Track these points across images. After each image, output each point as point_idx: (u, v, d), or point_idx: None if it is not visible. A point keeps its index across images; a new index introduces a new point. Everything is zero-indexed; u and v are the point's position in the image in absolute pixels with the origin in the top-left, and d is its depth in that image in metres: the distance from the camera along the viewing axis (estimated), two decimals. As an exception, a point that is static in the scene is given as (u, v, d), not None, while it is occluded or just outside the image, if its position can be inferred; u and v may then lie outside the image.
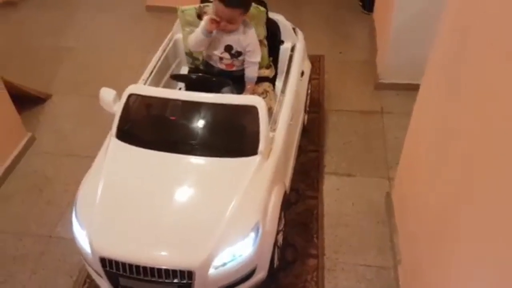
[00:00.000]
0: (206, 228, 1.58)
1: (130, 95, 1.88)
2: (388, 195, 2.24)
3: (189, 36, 2.17)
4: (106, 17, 3.78)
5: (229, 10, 1.97)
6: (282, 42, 2.37)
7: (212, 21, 2.02)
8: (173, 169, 1.74)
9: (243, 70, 2.23)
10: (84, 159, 2.50)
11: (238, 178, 1.70)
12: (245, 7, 2.02)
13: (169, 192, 1.68)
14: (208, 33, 2.06)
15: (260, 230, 1.62)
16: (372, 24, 3.48)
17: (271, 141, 1.83)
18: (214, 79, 2.01)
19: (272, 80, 2.40)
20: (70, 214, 2.21)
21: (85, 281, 1.96)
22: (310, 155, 2.51)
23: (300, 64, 2.30)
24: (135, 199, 1.66)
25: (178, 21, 2.44)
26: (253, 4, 2.18)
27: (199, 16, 2.27)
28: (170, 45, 2.37)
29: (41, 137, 2.67)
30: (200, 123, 1.85)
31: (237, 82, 2.24)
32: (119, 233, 1.60)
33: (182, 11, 2.30)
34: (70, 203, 2.29)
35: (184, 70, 2.51)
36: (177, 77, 2.11)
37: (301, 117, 2.37)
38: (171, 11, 3.61)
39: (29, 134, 2.60)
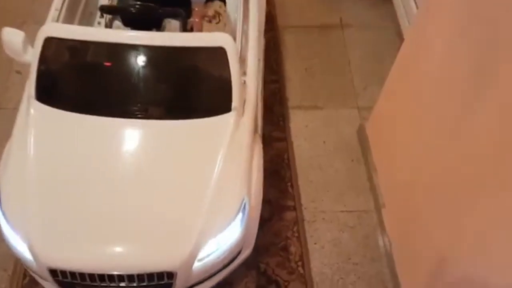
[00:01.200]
0: (184, 219, 1.27)
1: (47, 39, 1.37)
2: (361, 128, 2.03)
3: None
4: None
5: None
6: None
7: None
8: (126, 141, 1.35)
9: None
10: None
11: (212, 146, 1.37)
12: None
13: (126, 173, 1.30)
14: None
15: (247, 207, 1.34)
16: None
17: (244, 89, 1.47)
18: (160, 10, 1.53)
19: (223, -3, 1.95)
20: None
21: (24, 276, 1.60)
22: (271, 87, 2.18)
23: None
24: (82, 186, 1.27)
25: None
26: None
27: None
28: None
29: None
30: (151, 74, 1.42)
31: (182, 5, 1.78)
32: (70, 236, 1.23)
33: None
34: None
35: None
36: (110, 10, 1.58)
37: (262, 43, 1.97)
38: None
39: None
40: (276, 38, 2.37)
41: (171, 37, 1.40)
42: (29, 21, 2.31)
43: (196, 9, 1.79)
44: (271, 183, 1.89)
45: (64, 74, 1.42)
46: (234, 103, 1.40)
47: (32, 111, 1.36)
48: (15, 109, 1.95)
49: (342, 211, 1.86)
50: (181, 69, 1.43)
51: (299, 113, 2.13)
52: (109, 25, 1.69)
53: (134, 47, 1.37)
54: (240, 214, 1.32)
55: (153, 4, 1.55)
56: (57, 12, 1.56)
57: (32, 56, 1.39)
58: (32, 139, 1.32)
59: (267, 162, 1.93)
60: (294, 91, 2.19)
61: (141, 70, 1.40)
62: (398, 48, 2.34)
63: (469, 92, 1.22)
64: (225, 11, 1.90)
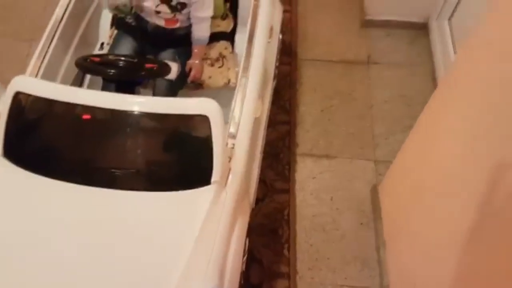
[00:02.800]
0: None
1: (17, 93, 1.26)
2: (374, 189, 1.82)
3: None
4: None
5: None
6: (242, -9, 1.70)
7: None
8: (88, 211, 1.21)
9: (189, 26, 1.61)
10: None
11: (184, 224, 1.21)
12: None
13: (81, 247, 1.16)
14: None
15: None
16: None
17: (230, 154, 1.30)
18: (143, 72, 1.38)
19: (231, 35, 1.78)
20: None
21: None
22: (280, 128, 2.00)
23: (268, 19, 1.66)
24: (30, 255, 1.14)
25: None
26: None
27: None
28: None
29: None
30: (124, 140, 1.28)
31: (182, 44, 1.63)
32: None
33: None
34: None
35: (106, 17, 1.82)
36: (86, 68, 1.43)
37: (269, 90, 1.78)
38: None
39: None
40: (293, 73, 2.17)
41: (150, 102, 1.25)
42: (37, 38, 2.22)
43: (196, 50, 1.63)
44: (266, 243, 1.72)
45: (32, 132, 1.30)
46: (215, 177, 1.24)
47: (-4, 167, 1.26)
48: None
49: (342, 285, 1.66)
50: (159, 136, 1.28)
51: (308, 161, 1.93)
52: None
53: (108, 111, 1.23)
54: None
55: (137, 59, 1.40)
56: (46, 47, 1.44)
57: (2, 108, 1.28)
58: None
59: (265, 217, 1.79)
60: (305, 135, 1.99)
61: (113, 135, 1.27)
62: (430, 93, 2.12)
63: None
64: (231, 52, 1.73)
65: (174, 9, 1.54)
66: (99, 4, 1.79)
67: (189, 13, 1.57)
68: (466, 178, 1.14)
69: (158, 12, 1.55)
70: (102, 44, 1.80)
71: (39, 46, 1.51)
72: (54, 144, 1.30)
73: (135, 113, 1.23)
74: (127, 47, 1.62)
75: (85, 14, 1.70)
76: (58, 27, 1.52)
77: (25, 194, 1.23)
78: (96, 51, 1.78)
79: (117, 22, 1.72)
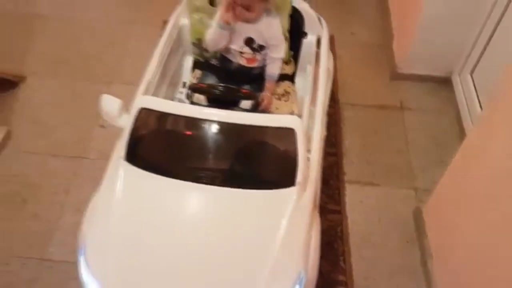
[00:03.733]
0: (244, 285, 1.35)
1: (141, 109, 1.56)
2: (417, 211, 2.06)
3: (196, 24, 1.96)
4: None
5: None
6: (306, 34, 2.06)
7: (227, 8, 1.69)
8: (197, 203, 1.48)
9: (264, 66, 1.94)
10: (71, 160, 2.20)
11: (275, 216, 1.45)
12: None
13: (197, 235, 1.41)
14: (226, 24, 1.74)
15: (304, 280, 1.41)
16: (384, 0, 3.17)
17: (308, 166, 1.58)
18: (241, 93, 1.71)
19: (292, 77, 2.12)
20: (62, 232, 1.96)
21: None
22: (329, 159, 2.28)
23: (327, 62, 2.01)
24: (158, 245, 1.39)
25: (183, 3, 2.08)
26: None
27: (211, 2, 1.92)
28: (175, 36, 2.01)
29: (18, 131, 2.28)
30: (226, 147, 1.57)
31: (255, 80, 1.96)
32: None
33: (191, -5, 1.94)
34: (61, 217, 2.00)
35: (189, 61, 2.17)
36: (196, 89, 1.77)
37: (325, 120, 2.11)
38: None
39: (5, 129, 2.21)
40: (337, 114, 2.49)
41: (247, 116, 1.54)
42: (115, 81, 2.57)
43: (268, 85, 1.95)
44: (324, 255, 1.93)
45: (152, 140, 1.59)
46: (298, 178, 1.51)
47: (120, 170, 1.52)
48: (96, 159, 2.19)
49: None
50: (253, 144, 1.57)
51: (355, 188, 2.19)
52: (190, 96, 1.87)
53: (214, 123, 1.53)
54: (297, 287, 1.39)
55: (234, 87, 1.73)
56: (150, 83, 1.77)
57: (126, 122, 1.57)
58: (118, 196, 1.47)
59: (322, 232, 2.01)
60: (351, 165, 2.27)
61: (218, 142, 1.55)
62: (458, 134, 2.43)
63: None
64: (293, 90, 2.06)
65: (255, 50, 1.87)
66: (184, 51, 2.14)
67: (265, 54, 1.90)
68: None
69: (241, 53, 1.89)
70: (184, 83, 2.14)
71: (141, 84, 1.80)
72: (171, 150, 1.56)
73: (239, 124, 1.52)
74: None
75: (175, 59, 2.04)
76: (158, 68, 1.84)
77: (148, 189, 1.49)
78: (180, 90, 2.11)
79: (201, 64, 2.06)
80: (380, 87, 2.68)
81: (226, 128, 1.54)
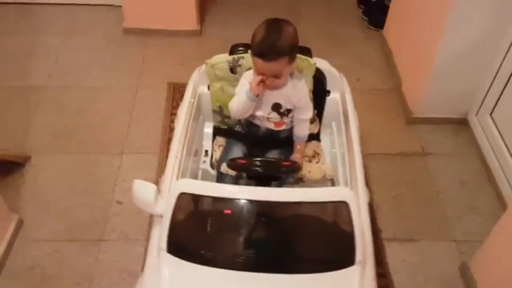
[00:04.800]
0: None
1: (180, 195, 1.44)
2: (464, 267, 1.96)
3: (217, 92, 1.89)
4: (78, 43, 3.12)
5: (272, 64, 1.57)
6: (329, 92, 2.00)
7: (260, 83, 1.62)
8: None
9: (291, 128, 1.86)
10: (91, 244, 2.04)
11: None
12: (291, 54, 1.61)
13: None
14: (256, 97, 1.67)
15: None
16: (385, 42, 3.18)
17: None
18: (283, 166, 1.61)
19: (317, 136, 2.04)
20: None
21: None
22: (362, 217, 2.17)
23: (355, 119, 1.94)
24: None
25: (197, 71, 2.01)
26: (301, 56, 1.80)
27: (232, 70, 1.85)
28: (195, 104, 1.93)
29: (29, 217, 2.10)
30: (276, 228, 1.44)
31: (283, 143, 1.87)
32: None
33: (212, 66, 1.86)
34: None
35: (209, 127, 2.08)
36: (236, 167, 1.66)
37: None
38: (154, 34, 3.16)
39: (16, 217, 2.04)
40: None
41: (296, 193, 1.44)
42: (127, 151, 2.44)
43: (298, 146, 1.87)
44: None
45: (195, 227, 1.46)
46: (358, 257, 1.40)
47: (163, 264, 1.38)
48: (118, 240, 2.04)
49: None
50: (305, 222, 1.45)
51: (394, 245, 2.08)
52: (218, 166, 1.77)
53: (260, 203, 1.42)
54: None
55: (274, 159, 1.63)
56: (177, 159, 1.65)
57: (163, 209, 1.45)
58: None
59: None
60: (386, 221, 2.17)
61: (267, 224, 1.43)
62: (484, 176, 2.38)
63: None
64: (321, 150, 1.98)
65: (282, 114, 1.79)
66: (203, 118, 2.05)
67: (292, 116, 1.82)
68: None
69: (268, 118, 1.80)
70: (206, 151, 2.03)
71: (170, 157, 1.69)
72: (218, 236, 1.43)
73: (286, 203, 1.41)
74: (237, 152, 1.85)
75: (195, 128, 1.94)
76: (183, 143, 1.73)
77: (195, 282, 1.35)
78: (202, 158, 2.00)
79: (223, 131, 1.97)
80: (397, 133, 2.63)
81: (275, 207, 1.42)
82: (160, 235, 1.44)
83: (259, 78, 1.61)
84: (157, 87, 2.82)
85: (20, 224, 2.04)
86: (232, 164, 1.61)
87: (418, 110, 2.64)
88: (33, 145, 2.43)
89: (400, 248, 2.07)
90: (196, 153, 1.99)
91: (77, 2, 3.38)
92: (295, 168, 1.66)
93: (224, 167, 1.78)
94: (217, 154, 1.92)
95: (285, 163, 1.65)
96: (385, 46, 3.16)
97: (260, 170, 1.55)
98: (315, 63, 1.86)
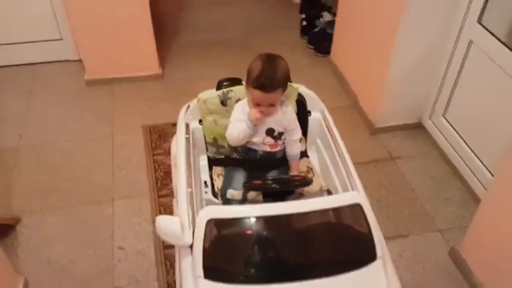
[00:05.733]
0: None
1: (208, 221, 1.52)
2: (453, 252, 2.18)
3: (210, 125, 2.01)
4: (44, 101, 3.10)
5: (271, 95, 1.74)
6: (310, 113, 2.19)
7: (260, 113, 1.77)
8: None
9: (284, 149, 2.01)
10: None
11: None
12: (285, 84, 1.80)
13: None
14: (255, 126, 1.81)
15: None
16: (334, 66, 3.47)
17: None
18: (296, 181, 1.76)
19: (306, 154, 2.20)
20: None
21: None
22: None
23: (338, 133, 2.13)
24: None
25: (185, 109, 2.12)
26: None
27: (223, 103, 1.99)
28: (191, 140, 2.03)
29: (34, 278, 2.04)
30: (301, 238, 1.57)
31: (280, 164, 2.01)
32: None
33: (204, 101, 1.99)
34: None
35: (203, 160, 2.17)
36: (254, 187, 1.78)
37: None
38: (118, 82, 3.23)
39: (21, 279, 1.97)
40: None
41: (313, 203, 1.57)
42: (117, 197, 2.46)
43: (293, 165, 2.01)
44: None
45: (227, 249, 1.54)
46: (379, 252, 1.55)
47: (202, 290, 1.45)
48: (128, 285, 2.05)
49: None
50: (326, 228, 1.59)
51: (389, 243, 2.15)
52: (223, 194, 1.87)
53: (284, 216, 1.54)
54: None
55: (287, 176, 1.77)
56: (190, 190, 1.74)
57: (194, 238, 1.52)
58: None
59: None
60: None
61: (292, 235, 1.55)
62: (449, 170, 2.66)
63: None
64: (313, 165, 2.14)
65: (276, 137, 1.94)
66: (198, 151, 2.14)
67: (284, 138, 1.97)
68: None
69: (264, 143, 1.94)
70: (205, 182, 2.12)
71: (181, 191, 1.77)
72: (249, 254, 1.51)
73: (307, 213, 1.54)
74: (239, 178, 1.95)
75: (195, 162, 2.03)
76: (189, 175, 1.82)
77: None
78: (203, 189, 2.08)
79: (219, 161, 2.07)
80: (364, 144, 2.87)
81: (298, 218, 1.55)
82: (193, 263, 1.51)
83: (257, 111, 1.75)
84: (132, 132, 2.88)
85: (26, 286, 1.99)
86: (249, 186, 1.73)
87: (379, 121, 2.91)
88: (19, 206, 2.38)
89: (394, 245, 2.25)
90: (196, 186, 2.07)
91: (36, 61, 3.39)
92: (307, 181, 1.80)
93: (230, 193, 1.88)
94: (219, 183, 2.01)
95: (297, 177, 1.79)
96: (335, 69, 3.45)
97: (277, 187, 1.68)
98: (298, 88, 2.04)
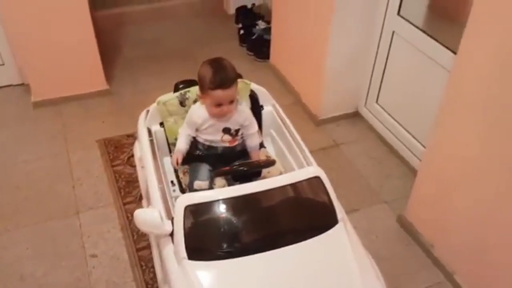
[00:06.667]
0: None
1: (186, 207, 1.65)
2: (400, 218, 2.45)
3: (172, 126, 2.15)
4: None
5: (229, 91, 1.91)
6: (262, 107, 2.38)
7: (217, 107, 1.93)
8: (278, 268, 1.60)
9: (242, 142, 2.17)
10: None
11: (341, 252, 1.67)
12: (236, 79, 1.97)
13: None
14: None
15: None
16: (274, 69, 3.70)
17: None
18: (261, 164, 1.94)
19: (262, 145, 2.38)
20: None
21: None
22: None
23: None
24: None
25: (144, 114, 2.24)
26: (239, 80, 2.16)
27: (182, 103, 2.14)
28: (155, 142, 2.14)
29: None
30: (274, 210, 1.75)
31: (240, 156, 2.16)
32: None
33: (164, 103, 2.12)
34: None
35: (167, 162, 2.29)
36: (222, 173, 1.93)
37: None
38: (65, 101, 3.25)
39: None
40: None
41: (278, 180, 1.75)
42: (82, 210, 2.50)
43: (254, 155, 2.15)
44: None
45: (205, 230, 1.67)
46: (340, 215, 1.76)
47: (189, 270, 1.57)
48: (106, 288, 2.10)
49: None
50: (295, 200, 1.78)
51: (344, 219, 2.50)
52: (192, 189, 2.00)
53: (255, 194, 1.70)
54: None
55: (254, 160, 1.94)
56: (161, 186, 1.87)
57: (174, 225, 1.64)
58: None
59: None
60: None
61: (264, 210, 1.72)
62: (386, 150, 2.95)
63: None
64: (271, 154, 2.33)
65: (233, 135, 2.09)
66: (161, 153, 2.25)
67: (242, 133, 2.14)
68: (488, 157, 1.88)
69: (223, 141, 2.09)
70: (172, 181, 2.23)
71: (152, 192, 1.88)
72: (224, 232, 1.66)
73: (273, 189, 1.71)
74: (204, 170, 2.07)
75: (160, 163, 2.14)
76: (158, 173, 1.95)
77: (224, 277, 1.58)
78: (173, 188, 2.19)
79: (186, 159, 2.18)
80: (311, 135, 3.11)
81: (266, 195, 1.72)
82: (176, 248, 1.63)
83: (217, 104, 1.91)
84: (87, 147, 2.92)
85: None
86: (219, 172, 1.88)
87: (321, 113, 3.17)
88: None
89: (348, 219, 2.47)
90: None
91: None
92: (272, 161, 1.97)
93: (197, 184, 2.01)
94: (185, 180, 2.14)
95: (261, 160, 1.97)
96: (276, 72, 3.69)
97: (245, 169, 1.85)
98: (250, 83, 2.23)
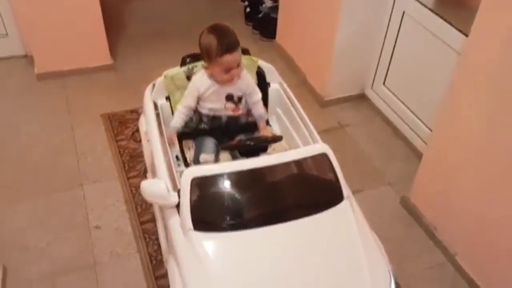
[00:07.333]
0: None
1: (193, 179, 1.65)
2: (404, 200, 2.45)
3: (179, 100, 2.09)
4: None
5: (236, 54, 1.90)
6: (269, 84, 2.36)
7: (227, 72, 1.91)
8: (281, 242, 1.60)
9: (247, 113, 2.14)
10: (85, 271, 2.10)
11: (346, 228, 1.67)
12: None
13: (293, 272, 1.54)
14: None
15: (393, 280, 1.63)
16: (280, 48, 3.67)
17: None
18: (268, 138, 1.94)
19: (267, 122, 2.37)
20: None
21: None
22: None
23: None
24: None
25: (150, 88, 2.22)
26: (245, 56, 2.13)
27: (188, 78, 2.12)
28: (161, 115, 2.13)
29: (12, 263, 2.06)
30: (281, 185, 1.74)
31: (246, 128, 2.15)
32: None
33: (171, 77, 2.10)
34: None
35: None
36: (230, 147, 1.92)
37: None
38: (69, 74, 3.22)
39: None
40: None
41: (286, 155, 1.75)
42: (85, 182, 2.50)
43: (261, 124, 2.13)
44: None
45: (211, 203, 1.67)
46: (346, 193, 1.76)
47: (195, 241, 1.57)
48: (111, 260, 2.12)
49: (425, 269, 2.18)
50: (299, 176, 1.77)
51: (347, 199, 2.50)
52: (196, 161, 1.99)
53: (263, 169, 1.70)
54: (393, 284, 1.60)
55: (260, 135, 1.93)
56: (167, 158, 1.86)
57: (181, 196, 1.64)
58: (207, 265, 1.52)
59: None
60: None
61: (271, 184, 1.73)
62: (392, 132, 2.94)
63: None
64: (276, 131, 2.31)
65: (236, 102, 2.06)
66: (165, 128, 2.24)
67: (245, 101, 2.10)
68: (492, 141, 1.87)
69: (226, 108, 2.07)
70: (177, 156, 2.22)
71: (158, 164, 1.87)
72: (230, 205, 1.67)
73: (280, 164, 1.71)
74: (209, 144, 2.06)
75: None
76: (164, 146, 1.94)
77: (231, 248, 1.58)
78: (176, 162, 2.19)
79: (188, 135, 2.17)
80: (316, 116, 3.08)
81: (273, 170, 1.71)
82: (182, 219, 1.63)
83: (226, 68, 1.89)
84: (91, 121, 2.91)
85: (5, 270, 2.00)
86: (226, 146, 1.87)
87: (327, 94, 3.15)
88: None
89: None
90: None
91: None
92: (278, 137, 1.97)
93: (202, 157, 2.00)
94: (190, 155, 2.13)
95: (268, 136, 1.97)
96: (281, 51, 3.65)
97: (252, 143, 1.85)
98: (257, 60, 2.21)
